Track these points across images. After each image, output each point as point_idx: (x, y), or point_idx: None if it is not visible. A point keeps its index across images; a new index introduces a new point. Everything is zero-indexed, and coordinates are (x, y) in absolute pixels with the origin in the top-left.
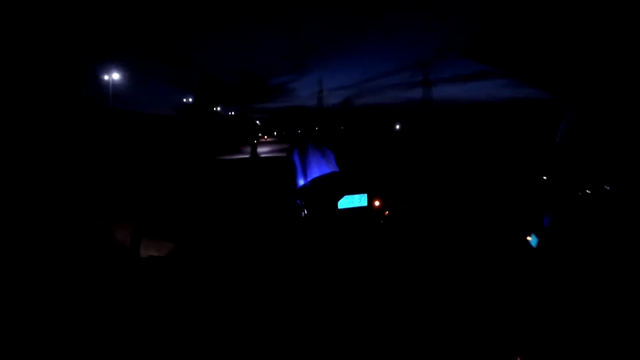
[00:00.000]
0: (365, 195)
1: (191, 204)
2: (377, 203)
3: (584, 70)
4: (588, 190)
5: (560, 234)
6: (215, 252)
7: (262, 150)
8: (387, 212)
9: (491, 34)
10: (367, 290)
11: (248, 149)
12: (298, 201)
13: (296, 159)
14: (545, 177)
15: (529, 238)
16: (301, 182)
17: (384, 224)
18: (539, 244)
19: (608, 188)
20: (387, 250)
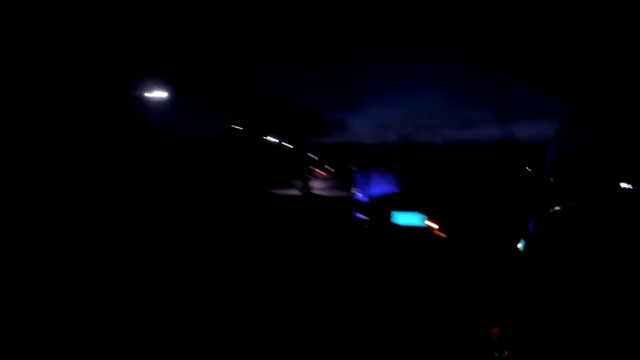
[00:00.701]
0: (424, 215)
1: (238, 234)
2: (435, 226)
3: (582, 70)
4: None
5: (542, 239)
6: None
7: (316, 186)
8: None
9: (490, 35)
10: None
11: (300, 184)
12: (357, 214)
13: (358, 176)
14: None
15: (519, 245)
16: (360, 196)
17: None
18: (525, 247)
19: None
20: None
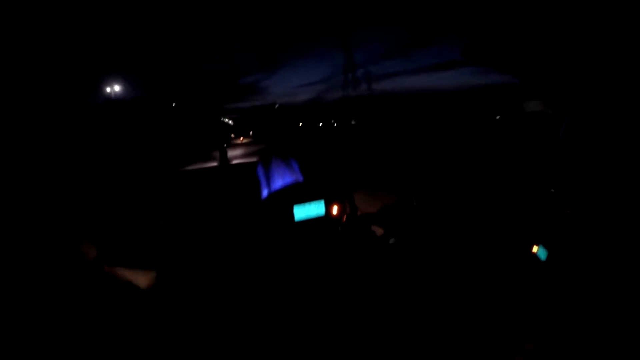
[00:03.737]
0: (323, 201)
1: (152, 224)
2: (335, 210)
3: (582, 70)
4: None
5: (571, 248)
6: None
7: (234, 154)
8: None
9: (490, 35)
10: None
11: (217, 154)
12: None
13: (260, 171)
14: (552, 190)
15: (535, 249)
16: (265, 193)
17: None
18: (548, 257)
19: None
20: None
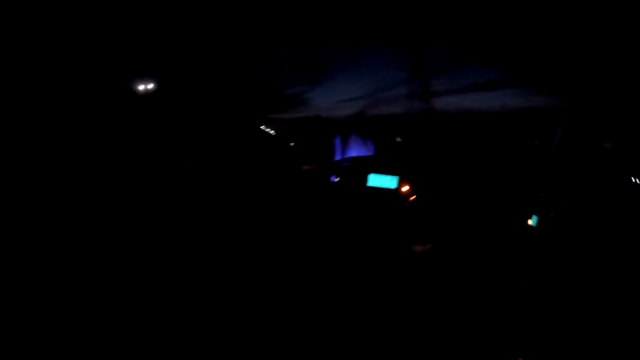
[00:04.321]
0: (397, 178)
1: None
2: (405, 188)
3: (582, 70)
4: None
5: (560, 214)
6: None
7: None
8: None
9: (491, 34)
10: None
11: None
12: (332, 177)
13: (337, 140)
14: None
15: (529, 222)
16: (338, 157)
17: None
18: (538, 222)
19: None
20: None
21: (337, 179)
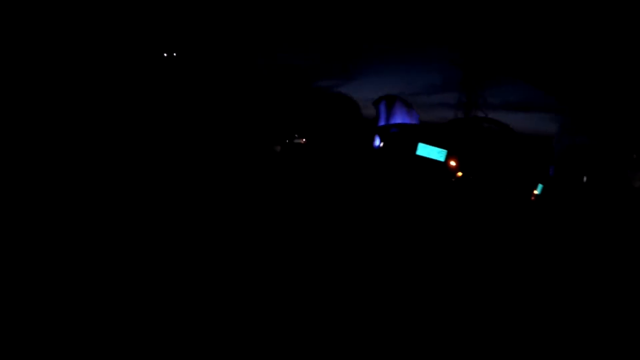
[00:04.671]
0: (445, 151)
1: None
2: (453, 163)
3: (582, 70)
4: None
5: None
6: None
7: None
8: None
9: (492, 35)
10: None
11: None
12: (377, 140)
13: (382, 106)
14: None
15: (535, 192)
16: (382, 122)
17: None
18: (543, 189)
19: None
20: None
21: (381, 144)
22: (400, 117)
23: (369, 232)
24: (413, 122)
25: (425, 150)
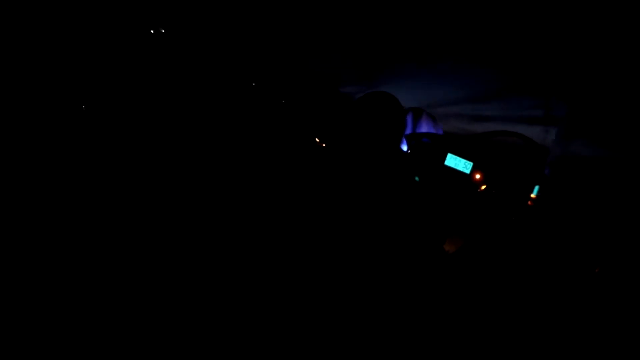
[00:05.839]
0: (471, 163)
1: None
2: (477, 176)
3: (582, 71)
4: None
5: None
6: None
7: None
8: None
9: (492, 35)
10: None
11: None
12: (404, 143)
13: (409, 117)
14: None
15: (532, 195)
16: (409, 130)
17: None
18: (539, 190)
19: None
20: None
21: (408, 151)
22: (425, 127)
23: (388, 234)
24: (439, 132)
25: (453, 161)
